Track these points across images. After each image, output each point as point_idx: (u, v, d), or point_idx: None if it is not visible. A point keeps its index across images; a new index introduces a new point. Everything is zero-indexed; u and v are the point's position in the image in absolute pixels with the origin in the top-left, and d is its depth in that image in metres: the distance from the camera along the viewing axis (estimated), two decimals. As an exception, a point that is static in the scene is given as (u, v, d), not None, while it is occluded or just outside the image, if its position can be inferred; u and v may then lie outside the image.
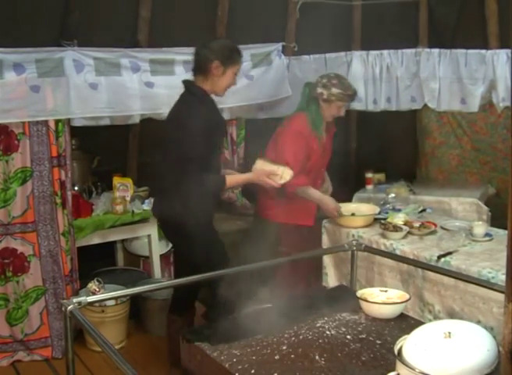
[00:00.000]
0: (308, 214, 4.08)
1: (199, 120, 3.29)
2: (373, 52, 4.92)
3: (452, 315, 3.23)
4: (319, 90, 3.96)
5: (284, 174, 3.64)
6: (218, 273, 2.96)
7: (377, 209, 4.17)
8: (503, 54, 4.47)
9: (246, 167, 4.81)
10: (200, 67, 3.41)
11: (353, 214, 4.12)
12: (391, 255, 3.53)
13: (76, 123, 3.99)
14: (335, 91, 3.93)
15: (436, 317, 3.33)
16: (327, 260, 4.16)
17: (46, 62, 3.74)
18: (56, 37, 3.87)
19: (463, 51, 4.64)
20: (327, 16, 4.66)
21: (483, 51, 4.58)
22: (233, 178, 3.62)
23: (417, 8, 5.02)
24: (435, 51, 4.77)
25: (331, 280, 4.14)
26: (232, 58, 3.43)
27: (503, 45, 4.55)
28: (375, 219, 4.10)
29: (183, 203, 3.26)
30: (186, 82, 3.47)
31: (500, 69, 4.47)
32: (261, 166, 3.64)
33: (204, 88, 3.39)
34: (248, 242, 3.91)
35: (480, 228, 3.71)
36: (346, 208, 4.15)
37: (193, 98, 3.38)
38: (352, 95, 4.05)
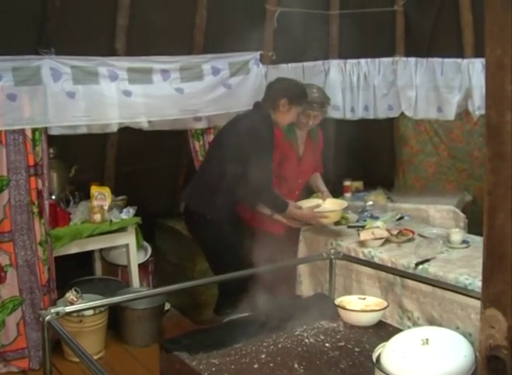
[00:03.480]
0: (277, 221, 4.00)
1: (271, 137, 3.73)
2: (350, 61, 4.97)
3: (431, 321, 3.25)
4: None
5: (333, 215, 3.96)
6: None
7: (345, 204, 4.13)
8: (478, 63, 4.53)
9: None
10: (269, 99, 3.83)
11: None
12: (369, 264, 3.55)
13: (54, 132, 3.95)
14: None
15: (415, 324, 3.35)
16: (302, 268, 4.14)
17: (23, 71, 3.71)
18: (33, 46, 3.84)
19: (439, 60, 4.71)
20: (305, 24, 4.69)
21: (459, 60, 4.64)
22: (294, 211, 3.89)
23: (394, 17, 5.06)
24: (412, 59, 4.83)
25: (305, 288, 4.14)
26: (298, 99, 3.81)
27: (478, 54, 4.59)
28: (353, 227, 4.10)
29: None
30: (258, 103, 3.91)
31: (476, 77, 4.54)
32: (311, 204, 4.02)
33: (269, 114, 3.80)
34: None
35: (457, 235, 3.74)
36: (312, 204, 4.08)
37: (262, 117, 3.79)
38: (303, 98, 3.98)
